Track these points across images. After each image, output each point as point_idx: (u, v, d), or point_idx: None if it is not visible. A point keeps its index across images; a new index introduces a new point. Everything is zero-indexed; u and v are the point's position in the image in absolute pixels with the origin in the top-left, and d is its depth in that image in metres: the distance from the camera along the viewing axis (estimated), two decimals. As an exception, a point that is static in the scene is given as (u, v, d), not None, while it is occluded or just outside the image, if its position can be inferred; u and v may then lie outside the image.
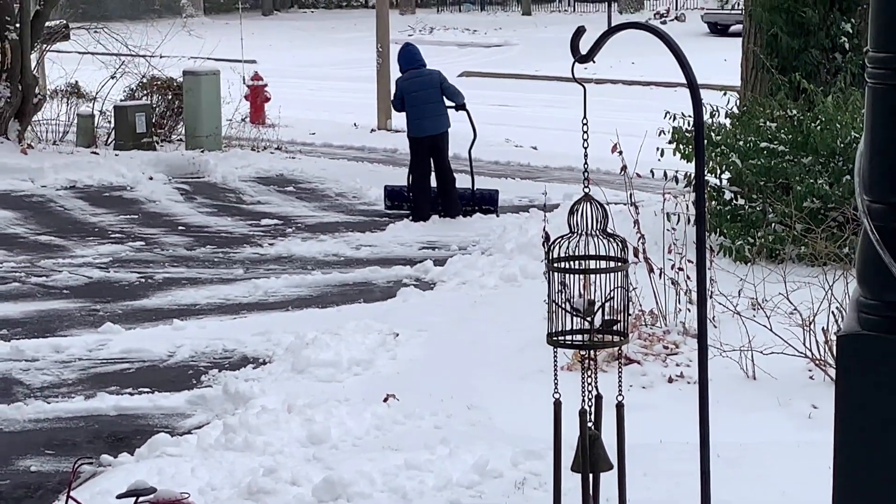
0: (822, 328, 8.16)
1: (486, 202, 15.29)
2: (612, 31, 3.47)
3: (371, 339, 9.63)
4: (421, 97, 14.72)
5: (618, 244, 3.84)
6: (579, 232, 3.78)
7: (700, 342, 3.87)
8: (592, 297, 3.80)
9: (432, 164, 14.88)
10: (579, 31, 3.45)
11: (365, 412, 8.00)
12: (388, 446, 7.48)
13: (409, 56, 15.02)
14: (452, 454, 7.23)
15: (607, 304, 3.83)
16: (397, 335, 9.72)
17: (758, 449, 7.14)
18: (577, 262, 3.84)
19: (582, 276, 3.79)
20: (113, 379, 9.26)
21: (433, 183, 15.03)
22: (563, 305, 3.80)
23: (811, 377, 8.17)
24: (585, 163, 3.81)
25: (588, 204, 3.76)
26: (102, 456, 7.54)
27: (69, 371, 9.46)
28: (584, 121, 3.48)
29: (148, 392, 8.92)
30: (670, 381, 8.42)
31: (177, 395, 8.81)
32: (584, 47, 3.50)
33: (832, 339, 8.14)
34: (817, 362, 8.15)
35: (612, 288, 3.79)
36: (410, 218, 14.88)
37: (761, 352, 8.15)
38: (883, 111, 2.70)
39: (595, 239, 3.78)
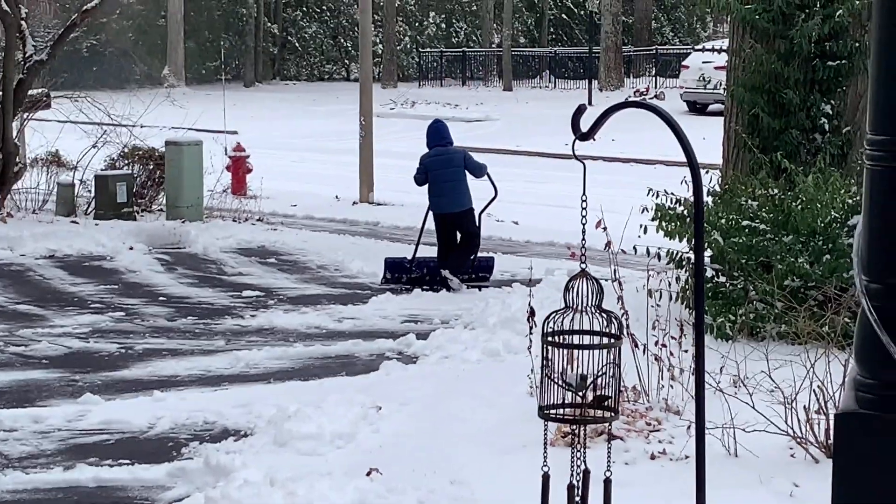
0: (804, 406, 8.17)
1: (482, 269, 15.55)
2: (613, 109, 3.50)
3: (353, 412, 9.60)
4: (443, 175, 14.90)
5: (612, 320, 3.86)
6: (574, 307, 3.80)
7: (698, 424, 3.87)
8: (584, 372, 3.81)
9: (458, 236, 15.18)
10: (580, 110, 3.49)
11: (347, 486, 7.96)
12: (371, 521, 7.44)
13: (437, 133, 15.19)
14: (435, 530, 7.19)
15: (597, 380, 3.84)
16: (380, 408, 9.70)
17: (741, 527, 7.12)
18: (569, 337, 3.86)
19: (570, 351, 3.81)
20: (92, 450, 9.20)
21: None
22: (556, 379, 3.81)
23: (792, 455, 8.18)
24: (583, 238, 3.83)
25: (584, 279, 3.78)
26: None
27: (48, 442, 9.39)
28: (584, 197, 3.51)
29: (128, 464, 8.86)
30: (653, 457, 8.40)
31: (157, 467, 8.75)
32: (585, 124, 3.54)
33: (813, 417, 8.16)
34: (799, 440, 8.15)
35: (603, 364, 3.81)
36: (442, 273, 15.07)
37: (743, 429, 8.15)
38: (881, 192, 2.73)
39: (589, 314, 3.80)
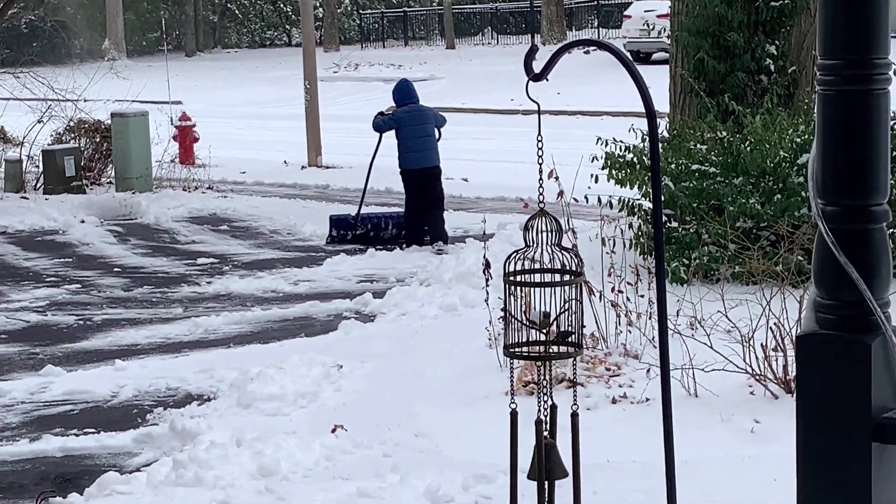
0: (761, 344, 8.28)
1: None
2: (564, 48, 3.56)
3: (315, 371, 9.66)
4: (417, 131, 14.92)
5: (571, 257, 3.93)
6: (534, 245, 3.86)
7: (662, 364, 3.95)
8: (547, 310, 3.88)
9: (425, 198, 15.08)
10: (533, 50, 3.54)
11: (313, 444, 8.02)
12: (339, 476, 7.51)
13: (407, 92, 15.22)
14: (403, 481, 7.27)
15: (560, 317, 3.91)
16: (341, 367, 9.76)
17: (702, 465, 7.22)
18: (531, 276, 3.93)
19: (532, 290, 3.88)
20: (57, 421, 9.22)
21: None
22: (520, 318, 3.88)
23: (752, 393, 8.29)
24: (540, 178, 3.89)
25: (543, 218, 3.85)
26: (51, 499, 7.50)
27: (12, 415, 9.40)
28: (539, 137, 3.56)
29: (93, 432, 8.88)
30: (614, 401, 8.51)
31: (123, 435, 8.78)
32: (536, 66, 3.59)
33: (771, 355, 8.28)
34: (757, 378, 8.27)
35: (564, 300, 3.88)
36: (404, 243, 15.12)
37: (702, 369, 8.26)
38: (832, 115, 2.80)
39: (549, 252, 3.87)
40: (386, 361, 9.95)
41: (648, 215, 11.45)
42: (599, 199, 11.37)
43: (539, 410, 4.14)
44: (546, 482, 4.33)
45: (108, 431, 8.86)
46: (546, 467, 4.23)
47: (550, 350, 4.01)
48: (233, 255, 15.53)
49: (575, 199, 10.56)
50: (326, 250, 15.47)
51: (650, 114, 3.68)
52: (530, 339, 4.02)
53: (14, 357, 11.00)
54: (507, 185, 19.48)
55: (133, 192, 18.99)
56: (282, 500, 6.95)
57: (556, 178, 9.84)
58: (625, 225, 11.62)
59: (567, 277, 3.88)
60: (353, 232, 15.70)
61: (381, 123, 15.10)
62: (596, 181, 11.52)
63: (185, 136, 23.21)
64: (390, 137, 15.22)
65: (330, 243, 15.81)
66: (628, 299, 9.42)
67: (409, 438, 8.17)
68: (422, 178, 15.00)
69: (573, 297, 3.89)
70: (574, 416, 4.32)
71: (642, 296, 9.41)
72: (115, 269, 14.89)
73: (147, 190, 19.47)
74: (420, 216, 15.13)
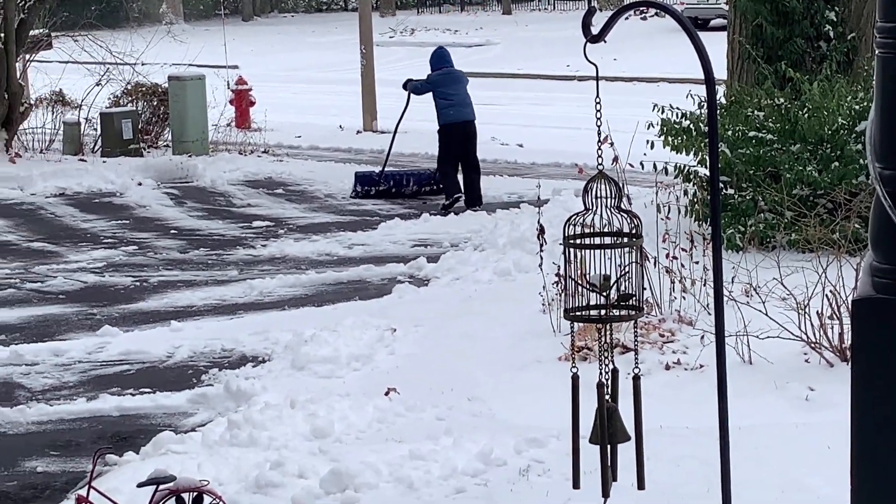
0: (817, 311, 8.24)
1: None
2: (624, 8, 3.54)
3: (369, 335, 9.70)
4: (453, 89, 15.72)
5: (631, 219, 3.92)
6: (594, 208, 3.85)
7: (718, 334, 3.93)
8: (607, 273, 3.87)
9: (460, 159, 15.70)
10: (591, 11, 3.52)
11: (367, 406, 8.07)
12: (392, 438, 7.55)
13: (442, 58, 16.10)
14: (456, 444, 7.30)
15: (620, 279, 3.90)
16: (395, 331, 9.80)
17: (756, 431, 7.21)
18: (590, 240, 3.92)
19: (592, 253, 3.87)
20: (113, 380, 9.32)
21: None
22: (580, 281, 3.87)
23: (807, 360, 8.26)
24: (599, 141, 3.88)
25: (602, 181, 3.84)
26: (108, 455, 7.58)
27: (69, 374, 9.51)
28: (597, 100, 3.55)
29: (149, 392, 8.98)
30: (667, 368, 8.50)
31: (178, 395, 8.87)
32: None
33: (827, 322, 8.24)
34: (813, 345, 8.23)
35: (625, 263, 3.87)
36: (444, 200, 15.69)
37: (757, 336, 8.23)
38: (892, 78, 2.77)
39: (609, 215, 3.86)
40: (439, 325, 9.98)
41: (704, 182, 11.39)
42: (655, 166, 11.32)
43: (600, 373, 4.14)
44: (608, 445, 4.34)
45: (163, 391, 8.95)
46: (608, 431, 4.23)
47: (611, 313, 4.00)
48: (288, 219, 15.60)
49: (630, 166, 10.52)
50: (381, 214, 15.51)
51: (709, 78, 3.66)
52: (590, 304, 4.02)
53: (72, 317, 11.11)
54: (561, 151, 19.43)
55: (189, 156, 19.08)
56: (335, 462, 7.00)
57: (612, 144, 9.79)
58: (680, 191, 11.57)
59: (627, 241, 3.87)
60: (377, 188, 16.58)
61: (419, 86, 16.04)
62: (652, 147, 11.47)
63: (242, 100, 23.26)
64: (417, 102, 16.00)
65: (354, 198, 16.63)
66: (683, 266, 9.39)
67: (462, 402, 8.20)
68: (461, 132, 15.62)
69: (633, 259, 3.89)
70: (636, 379, 4.33)
71: (697, 262, 9.38)
72: (172, 232, 15.00)
73: (203, 153, 19.55)
74: (454, 171, 15.69)
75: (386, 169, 16.83)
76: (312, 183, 17.86)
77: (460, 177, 15.80)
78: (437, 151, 16.05)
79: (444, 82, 15.76)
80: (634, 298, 4.00)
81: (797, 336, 8.25)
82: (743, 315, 8.40)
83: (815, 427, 7.37)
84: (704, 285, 9.24)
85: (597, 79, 3.47)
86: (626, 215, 3.89)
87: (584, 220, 3.87)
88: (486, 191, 16.77)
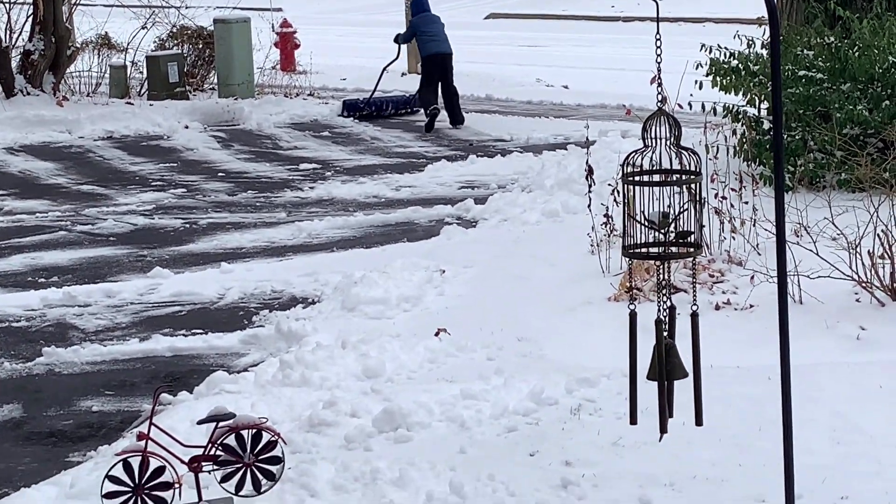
0: (868, 251, 8.21)
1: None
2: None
3: (418, 276, 9.73)
4: (433, 28, 18.25)
5: (690, 156, 3.91)
6: (653, 145, 3.84)
7: (780, 275, 3.92)
8: (666, 210, 3.87)
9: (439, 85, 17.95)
10: (652, -51, 3.51)
11: (417, 346, 8.11)
12: (443, 378, 7.59)
13: (421, 3, 18.73)
14: (507, 384, 7.33)
15: (679, 217, 3.89)
16: (443, 272, 9.82)
17: (807, 371, 7.20)
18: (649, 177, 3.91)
19: (651, 190, 3.86)
20: (165, 321, 9.40)
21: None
22: (638, 218, 3.88)
23: (858, 300, 8.24)
24: (659, 77, 3.87)
25: (662, 117, 3.83)
26: (162, 395, 7.65)
27: (122, 315, 9.60)
28: (657, 35, 3.54)
29: (201, 333, 9.05)
30: (717, 308, 8.49)
31: (230, 335, 8.94)
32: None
33: (878, 262, 8.21)
34: (864, 285, 8.21)
35: (683, 201, 3.86)
36: (424, 112, 18.00)
37: (808, 276, 8.20)
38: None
39: (668, 152, 3.85)
40: (488, 267, 10.00)
41: (753, 122, 11.33)
42: (703, 106, 11.26)
43: (658, 310, 4.15)
44: (666, 382, 4.36)
45: (215, 332, 9.02)
46: (666, 367, 4.25)
47: (669, 250, 4.00)
48: (335, 161, 15.63)
49: (679, 106, 10.47)
50: (427, 156, 15.53)
51: (771, 10, 3.64)
52: (648, 241, 4.02)
53: (123, 259, 11.20)
54: (608, 93, 19.36)
55: (235, 99, 19.12)
56: (387, 401, 7.04)
57: (660, 83, 9.73)
58: (728, 131, 11.51)
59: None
60: (361, 112, 18.73)
61: (406, 35, 18.86)
62: (700, 88, 11.40)
63: (287, 42, 23.25)
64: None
65: (339, 116, 18.66)
66: (732, 206, 9.36)
67: (511, 342, 8.23)
68: (440, 61, 17.91)
69: (691, 197, 3.88)
70: (694, 316, 4.34)
71: (746, 202, 9.35)
72: (220, 174, 15.06)
73: (249, 96, 19.59)
74: (433, 95, 17.95)
75: (363, 98, 19.26)
76: (358, 125, 17.90)
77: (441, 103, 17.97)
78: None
79: (423, 23, 18.35)
80: (693, 236, 4.00)
81: (848, 276, 8.22)
82: (794, 255, 8.36)
83: (867, 366, 7.37)
84: (754, 226, 9.21)
85: (657, 17, 3.46)
86: (685, 151, 3.89)
87: (641, 159, 3.87)
88: (533, 132, 16.78)
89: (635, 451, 6.24)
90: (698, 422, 4.74)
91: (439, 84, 17.92)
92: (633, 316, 4.35)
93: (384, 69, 19.37)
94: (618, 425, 6.46)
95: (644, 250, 4.05)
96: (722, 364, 7.40)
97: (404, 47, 19.80)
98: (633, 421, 4.73)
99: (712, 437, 6.25)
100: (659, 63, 3.53)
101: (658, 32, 3.47)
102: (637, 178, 3.96)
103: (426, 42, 18.26)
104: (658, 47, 3.58)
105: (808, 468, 5.69)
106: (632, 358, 4.44)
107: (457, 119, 17.98)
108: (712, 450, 6.22)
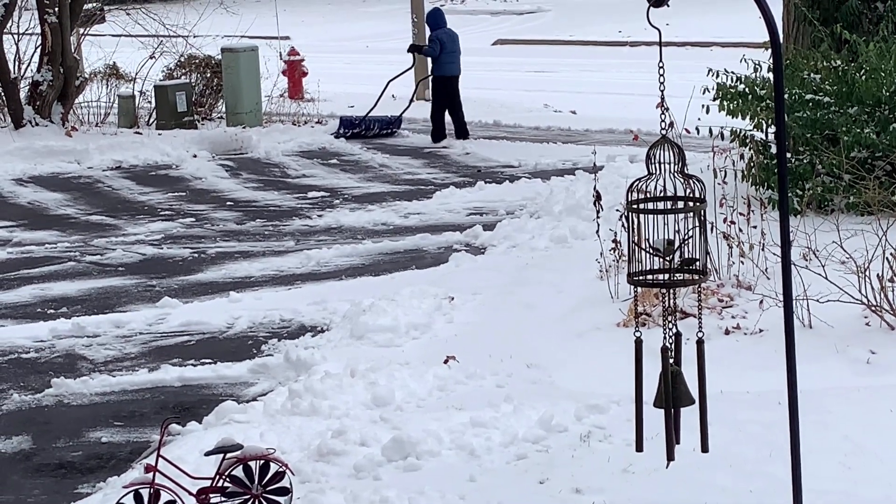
0: (877, 274, 8.19)
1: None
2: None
3: (427, 303, 9.72)
4: (452, 47, 18.62)
5: (694, 183, 3.90)
6: (657, 173, 3.84)
7: (785, 300, 3.91)
8: (671, 237, 3.86)
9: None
10: (655, -24, 3.50)
11: (426, 374, 8.10)
12: (452, 405, 7.58)
13: (441, 17, 18.98)
14: (516, 411, 7.32)
15: (684, 244, 3.88)
16: (452, 299, 9.81)
17: (818, 395, 7.18)
18: (654, 204, 3.90)
19: (655, 218, 3.86)
20: (174, 351, 9.40)
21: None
22: (643, 246, 3.87)
23: (867, 324, 8.21)
24: (662, 104, 3.87)
25: (665, 146, 3.82)
26: (171, 425, 7.65)
27: (131, 345, 9.60)
28: (661, 63, 3.54)
29: (210, 363, 9.05)
30: (727, 332, 8.47)
31: (239, 365, 8.94)
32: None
33: (887, 285, 8.18)
34: (873, 308, 8.19)
35: (688, 228, 3.86)
36: (432, 140, 18.60)
37: (817, 300, 8.18)
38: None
39: (672, 180, 3.85)
40: (497, 293, 9.99)
41: (760, 146, 11.32)
42: (710, 131, 11.25)
43: (664, 338, 4.14)
44: (672, 409, 4.34)
45: (224, 362, 9.02)
46: (672, 394, 4.24)
47: (675, 278, 3.99)
48: (343, 189, 15.64)
49: (686, 131, 10.47)
50: (436, 183, 15.54)
51: (773, 39, 3.63)
52: (653, 268, 4.01)
53: (132, 289, 11.21)
54: (615, 118, 19.37)
55: (243, 127, 19.16)
56: (396, 430, 7.04)
57: (667, 109, 9.73)
58: (736, 156, 11.50)
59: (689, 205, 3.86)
60: (353, 130, 19.06)
61: (434, 49, 18.69)
62: (707, 112, 11.39)
63: (294, 70, 23.30)
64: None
65: (335, 137, 18.92)
66: (741, 230, 9.35)
67: (521, 369, 8.22)
68: (454, 83, 18.57)
69: (695, 224, 3.87)
70: (699, 343, 4.33)
71: (755, 227, 9.34)
72: (228, 203, 15.08)
73: (257, 124, 19.63)
74: (443, 121, 18.56)
75: (359, 116, 19.52)
76: (366, 152, 17.93)
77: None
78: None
79: (448, 40, 18.66)
80: (698, 262, 3.99)
81: (857, 299, 8.20)
82: (802, 279, 8.35)
83: (878, 390, 7.34)
84: (763, 250, 9.19)
85: (660, 44, 3.46)
86: (690, 179, 3.88)
87: (646, 186, 3.86)
88: (541, 158, 16.79)
89: (646, 477, 6.22)
90: (704, 448, 4.73)
91: (451, 101, 18.55)
92: (638, 343, 4.35)
93: (390, 81, 19.62)
94: (628, 452, 6.43)
95: (650, 277, 4.04)
96: (732, 389, 7.39)
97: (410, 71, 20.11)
98: (640, 448, 4.72)
99: (723, 463, 6.23)
100: (662, 90, 3.52)
101: (661, 59, 3.47)
102: (642, 206, 3.95)
103: (447, 62, 18.65)
104: (661, 74, 3.57)
105: (817, 493, 5.68)
106: (638, 385, 4.43)
107: (463, 133, 18.57)
108: (723, 476, 6.20)
